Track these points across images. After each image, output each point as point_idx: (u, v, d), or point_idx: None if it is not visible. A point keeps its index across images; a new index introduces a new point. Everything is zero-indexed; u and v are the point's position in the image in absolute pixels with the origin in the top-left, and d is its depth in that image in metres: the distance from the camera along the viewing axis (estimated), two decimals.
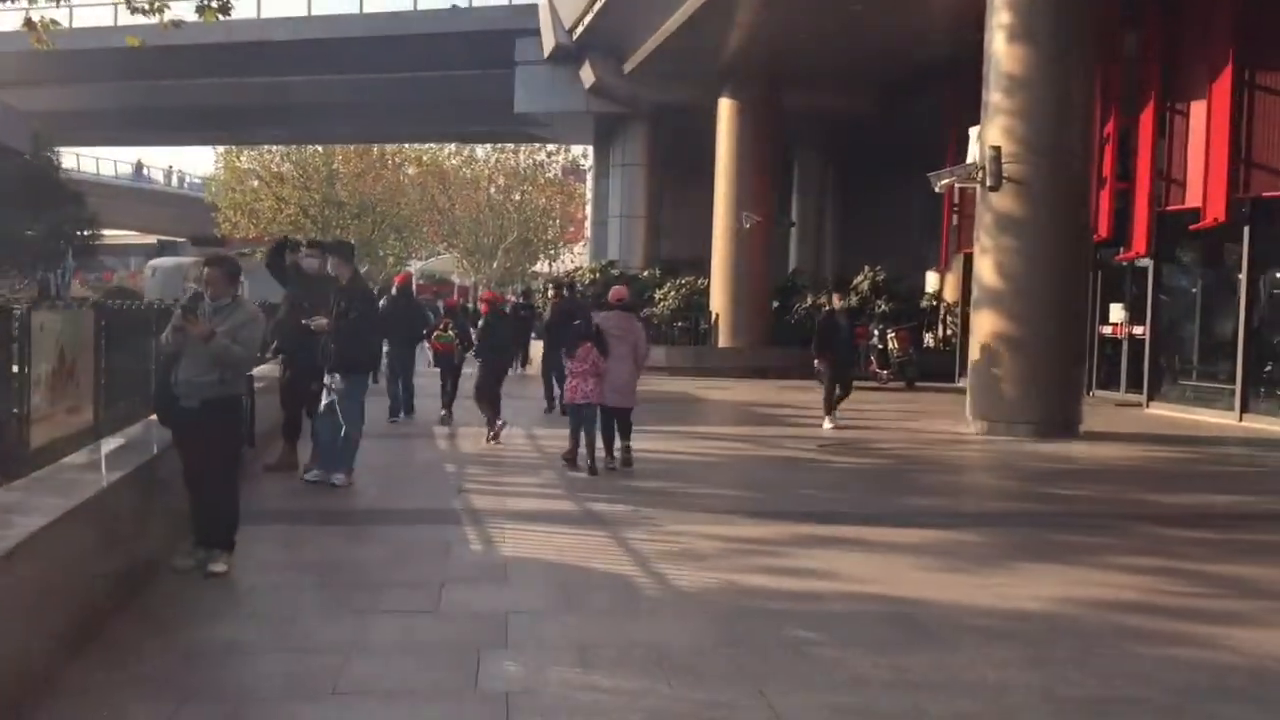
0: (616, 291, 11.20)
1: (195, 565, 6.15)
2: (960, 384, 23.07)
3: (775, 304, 25.93)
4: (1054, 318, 13.61)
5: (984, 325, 14.00)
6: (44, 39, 12.58)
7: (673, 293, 25.75)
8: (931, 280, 29.01)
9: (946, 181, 15.70)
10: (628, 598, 5.95)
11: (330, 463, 9.26)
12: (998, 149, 13.46)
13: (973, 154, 18.88)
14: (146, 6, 12.82)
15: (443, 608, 5.64)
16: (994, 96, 13.81)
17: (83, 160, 58.34)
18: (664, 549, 6.99)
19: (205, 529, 6.25)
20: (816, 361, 14.48)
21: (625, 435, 10.41)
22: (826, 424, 14.04)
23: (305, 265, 9.87)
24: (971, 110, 21.44)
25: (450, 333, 14.46)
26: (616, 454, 10.25)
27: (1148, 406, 17.71)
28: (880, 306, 25.00)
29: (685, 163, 30.44)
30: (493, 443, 11.74)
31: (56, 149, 27.39)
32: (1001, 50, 13.72)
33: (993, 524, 8.35)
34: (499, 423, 12.01)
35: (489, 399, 12.16)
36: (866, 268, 25.74)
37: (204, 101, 34.28)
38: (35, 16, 13.07)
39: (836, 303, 14.80)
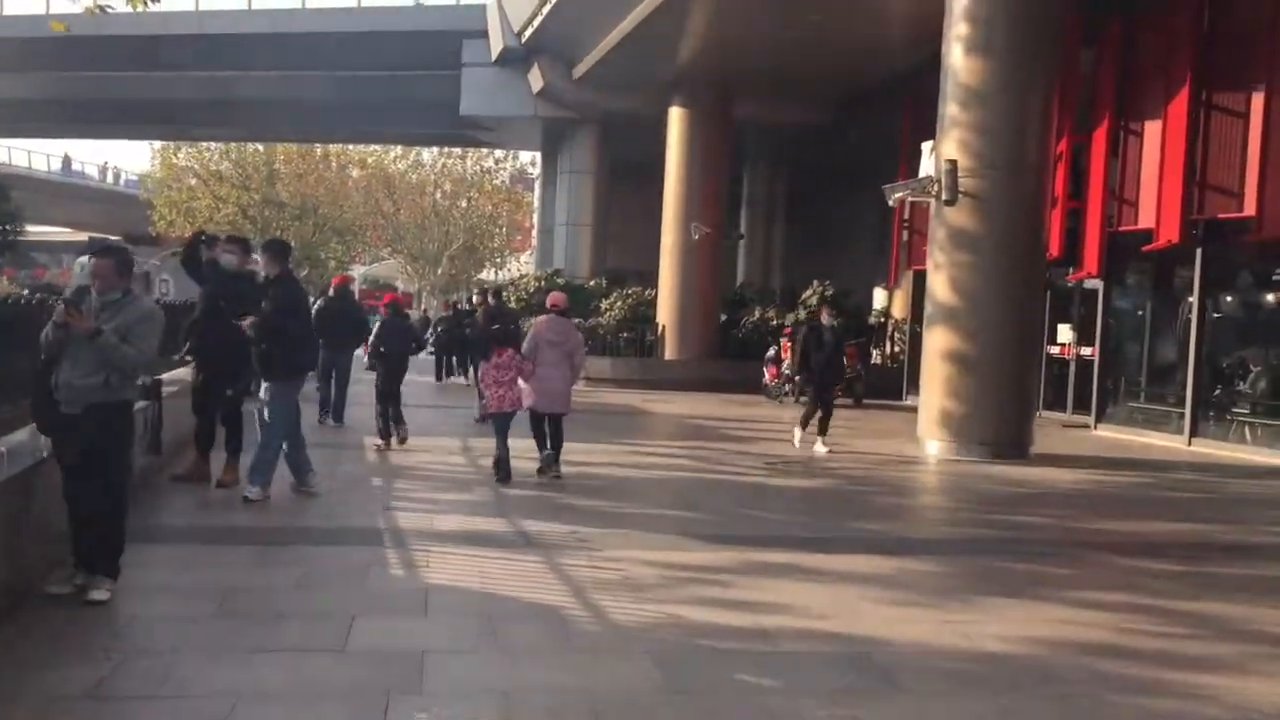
0: (554, 297, 11.08)
1: (73, 591, 5.50)
2: (909, 402, 22.84)
3: (723, 317, 25.53)
4: (1008, 337, 13.28)
5: (936, 343, 13.64)
6: None
7: (619, 303, 25.26)
8: (879, 297, 28.80)
9: (900, 195, 15.34)
10: (560, 634, 5.39)
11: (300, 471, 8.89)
12: (953, 163, 13.11)
13: (926, 168, 18.67)
14: None
15: (351, 645, 5.04)
16: (950, 109, 13.46)
17: (13, 153, 56.71)
18: (602, 577, 6.45)
19: (86, 551, 5.59)
20: (798, 377, 14.09)
21: (557, 444, 10.27)
22: (797, 436, 13.48)
23: (223, 261, 9.21)
24: (926, 125, 21.19)
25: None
26: (550, 464, 10.17)
27: (1095, 428, 17.49)
28: (828, 321, 24.61)
29: (634, 172, 30.03)
30: (383, 450, 11.67)
31: None
32: (959, 63, 13.38)
33: (950, 552, 7.90)
34: (392, 436, 11.89)
35: (380, 409, 11.94)
36: (815, 282, 25.42)
37: (138, 95, 33.12)
38: None
39: (825, 318, 14.02)
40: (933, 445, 13.58)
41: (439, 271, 51.92)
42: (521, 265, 53.44)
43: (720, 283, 25.95)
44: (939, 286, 13.59)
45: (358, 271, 55.71)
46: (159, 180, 50.48)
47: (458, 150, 49.73)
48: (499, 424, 9.97)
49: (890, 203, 16.12)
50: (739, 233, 30.84)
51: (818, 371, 13.44)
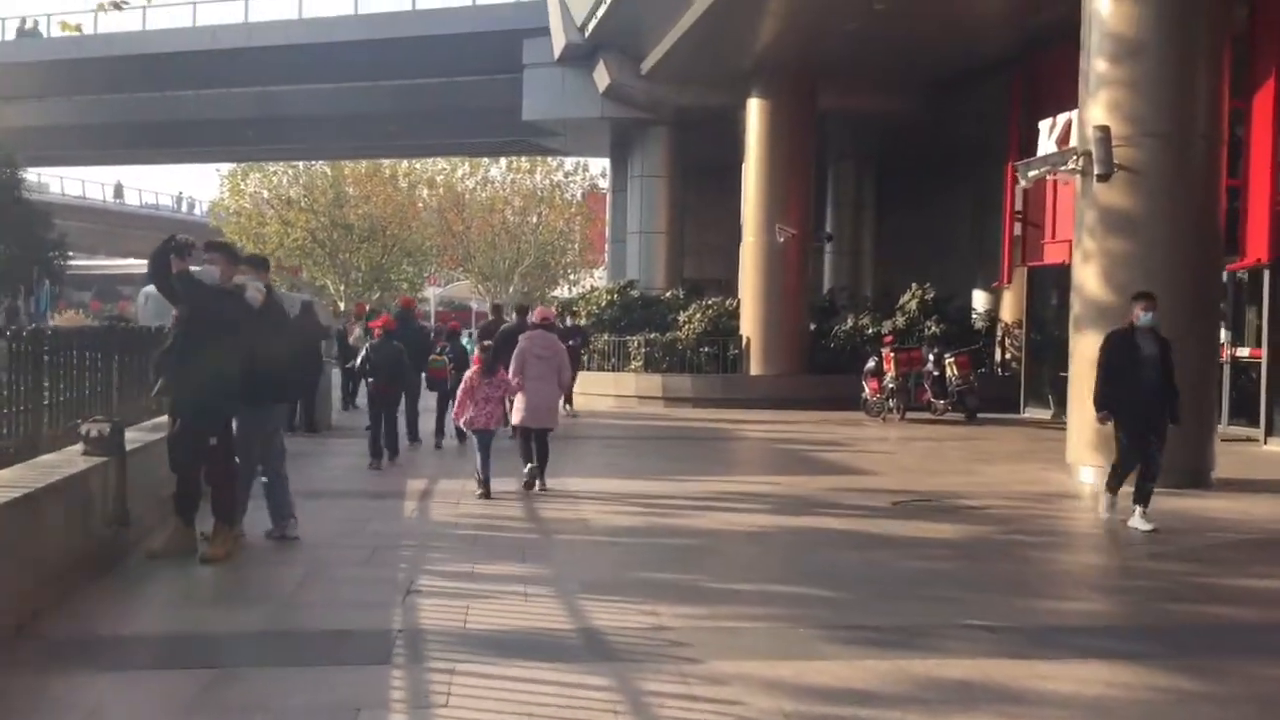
0: (540, 312, 11.45)
1: None
2: (1027, 415, 20.40)
3: (811, 326, 23.29)
4: (1179, 340, 10.85)
5: (1088, 348, 11.21)
6: None
7: (698, 315, 23.09)
8: (979, 299, 26.35)
9: (1037, 173, 12.99)
10: None
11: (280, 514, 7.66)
12: (1105, 129, 10.76)
13: (1045, 148, 16.28)
14: None
15: None
16: (1097, 65, 11.13)
17: (86, 186, 56.45)
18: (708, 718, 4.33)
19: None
20: (1100, 413, 9.16)
21: (543, 459, 10.26)
22: (1104, 503, 9.24)
23: (204, 274, 7.31)
24: (1041, 103, 18.95)
25: (444, 357, 14.28)
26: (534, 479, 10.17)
27: (1266, 443, 14.92)
28: (930, 328, 22.31)
29: (710, 174, 27.97)
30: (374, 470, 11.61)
31: (17, 165, 24.91)
32: (1107, 9, 11.04)
33: (1185, 647, 5.62)
34: (381, 459, 11.90)
35: (372, 433, 12.02)
36: (914, 285, 23.06)
37: (189, 115, 31.91)
38: None
39: (1140, 313, 9.11)
40: (1087, 473, 11.24)
41: (511, 290, 50.36)
42: (596, 280, 51.62)
43: (807, 289, 23.72)
44: (1089, 280, 11.24)
45: (431, 293, 54.41)
46: (227, 207, 49.77)
47: (526, 165, 48.22)
48: (483, 440, 9.97)
49: (1024, 183, 13.80)
50: (827, 234, 28.49)
51: (1137, 404, 8.93)
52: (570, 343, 19.42)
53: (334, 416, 16.70)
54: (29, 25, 32.13)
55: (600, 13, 22.99)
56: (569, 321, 20.88)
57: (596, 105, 25.95)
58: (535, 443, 10.20)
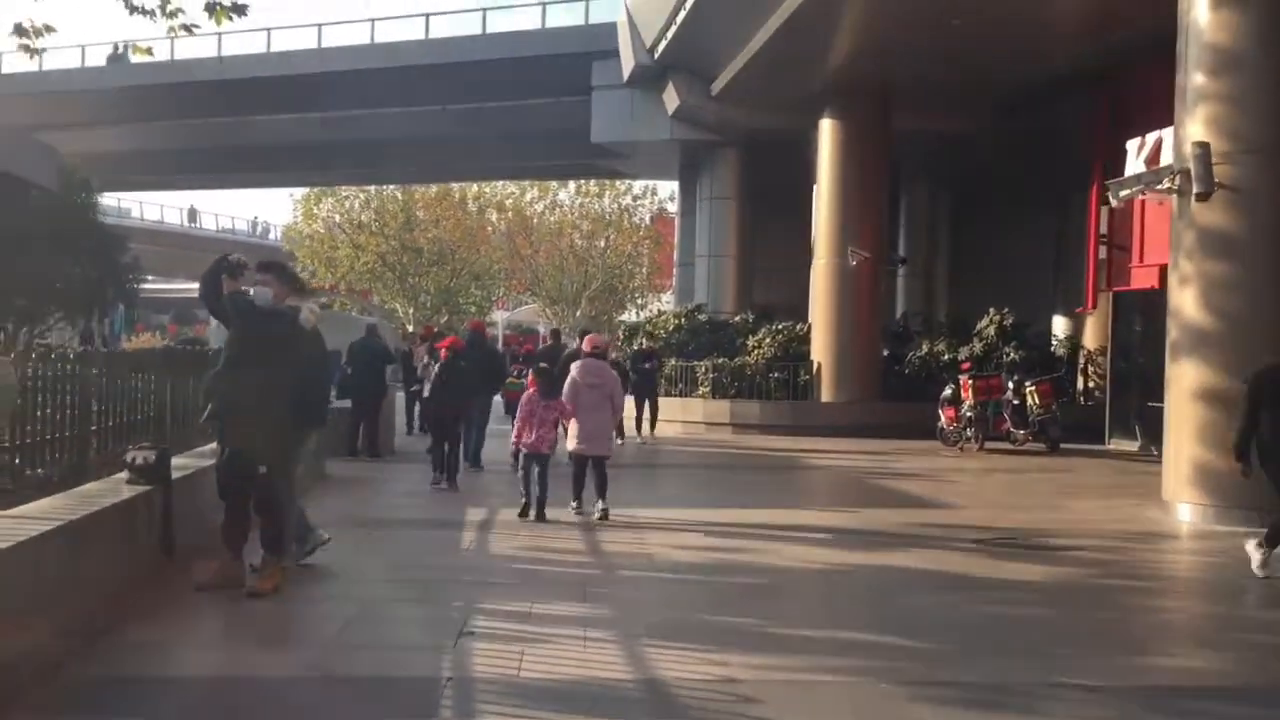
0: (590, 339, 11.25)
1: None
2: (1113, 446, 19.58)
3: (884, 352, 22.66)
4: None
5: (1187, 378, 10.61)
6: (34, 45, 10.74)
7: (768, 339, 22.60)
8: (1059, 325, 25.56)
9: (1129, 192, 12.34)
10: None
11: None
12: (1205, 146, 10.14)
13: (1133, 169, 15.62)
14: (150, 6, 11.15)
15: None
16: (1195, 79, 10.52)
17: (142, 208, 57.39)
18: None
19: None
20: (1239, 462, 7.99)
21: (603, 487, 10.11)
22: (1256, 559, 7.90)
23: (257, 295, 7.04)
24: (1128, 121, 18.26)
25: (521, 380, 14.30)
26: (597, 507, 10.01)
27: None
28: (1009, 355, 21.57)
29: (779, 197, 27.46)
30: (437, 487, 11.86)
31: (93, 190, 25.25)
32: (1205, 18, 10.45)
33: None
34: (443, 476, 12.00)
35: (435, 452, 12.21)
36: (991, 310, 22.32)
37: (262, 140, 32.28)
38: (25, 22, 11.35)
39: None
40: (1184, 510, 10.56)
41: (578, 314, 50.25)
42: (663, 304, 51.31)
43: (880, 314, 23.12)
44: (1187, 305, 10.58)
45: (500, 317, 54.52)
46: (300, 231, 50.37)
47: (595, 188, 48.17)
48: (539, 463, 9.89)
49: (1115, 203, 13.20)
50: (900, 256, 27.83)
51: None
52: (647, 364, 19.61)
53: (397, 440, 16.47)
54: (119, 51, 32.70)
55: (670, 34, 22.73)
56: (643, 343, 20.89)
57: (665, 127, 25.65)
58: (593, 470, 10.17)
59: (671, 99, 24.75)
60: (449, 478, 12.05)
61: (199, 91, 29.59)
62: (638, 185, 48.39)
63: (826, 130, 21.99)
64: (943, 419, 19.08)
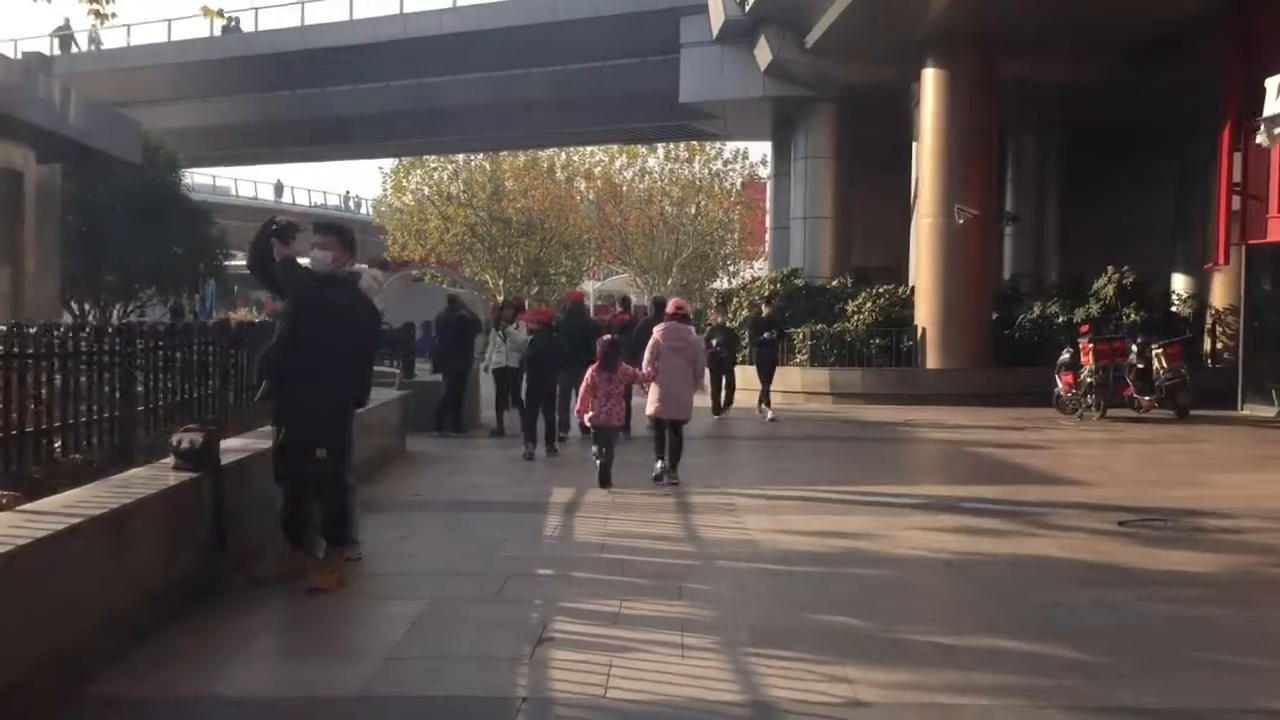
0: (673, 302, 11.10)
1: None
2: (1246, 412, 18.16)
3: (993, 316, 21.41)
4: None
5: None
6: (103, 10, 10.57)
7: (868, 304, 21.51)
8: (1180, 283, 24.05)
9: None
10: None
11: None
12: None
13: (1274, 108, 14.19)
14: None
15: None
16: None
17: (228, 183, 57.84)
18: None
19: None
20: None
21: (677, 452, 10.10)
22: None
23: (315, 261, 6.35)
24: (1267, 60, 16.69)
25: None
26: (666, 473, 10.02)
27: None
28: (1130, 316, 20.19)
29: (876, 155, 26.22)
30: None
31: (180, 165, 25.10)
32: None
33: None
34: (534, 447, 11.95)
35: (525, 422, 12.16)
36: (1110, 269, 20.92)
37: (347, 110, 31.86)
38: None
39: None
40: None
41: (669, 282, 49.38)
42: (756, 271, 50.16)
43: (990, 275, 21.84)
44: None
45: (590, 287, 53.96)
46: (390, 204, 50.29)
47: (685, 153, 47.13)
48: (603, 437, 9.84)
49: (1267, 141, 11.82)
50: (1011, 214, 26.38)
51: None
52: (765, 335, 17.52)
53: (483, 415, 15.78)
54: (231, 24, 32.45)
55: None
56: (762, 311, 18.84)
57: (757, 84, 24.56)
58: (670, 435, 10.06)
59: (764, 54, 23.63)
60: (548, 445, 12.29)
61: (281, 63, 29.32)
62: (728, 149, 47.29)
63: (930, 81, 20.73)
64: (1060, 385, 17.86)
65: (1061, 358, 17.87)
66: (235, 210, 47.46)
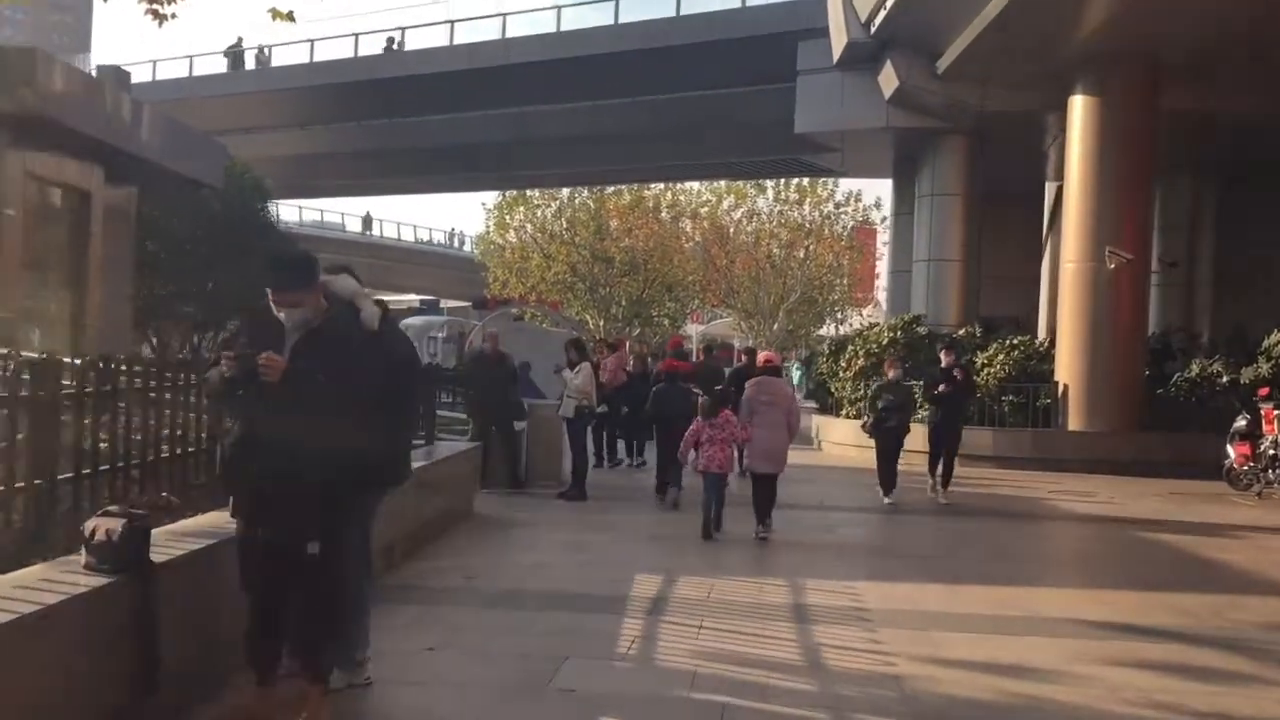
0: (764, 355, 11.77)
1: None
2: None
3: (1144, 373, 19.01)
4: None
5: None
6: (163, 11, 10.22)
7: (1000, 356, 19.20)
8: None
9: None
10: None
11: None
12: None
13: None
14: None
15: None
16: None
17: (316, 214, 57.37)
18: None
19: None
20: None
21: (768, 503, 10.03)
22: None
23: (338, 287, 4.64)
24: None
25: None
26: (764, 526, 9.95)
27: None
28: None
29: (1002, 196, 24.01)
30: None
31: (268, 193, 23.95)
32: None
33: None
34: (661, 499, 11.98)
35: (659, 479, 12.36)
36: None
37: (444, 140, 30.57)
38: None
39: None
40: None
41: (774, 327, 47.35)
42: (865, 318, 47.81)
43: (1144, 327, 19.42)
44: None
45: (694, 330, 52.26)
46: (493, 241, 49.35)
47: (795, 195, 45.24)
48: (710, 483, 9.94)
49: None
50: (1171, 260, 23.80)
51: None
52: (944, 387, 13.36)
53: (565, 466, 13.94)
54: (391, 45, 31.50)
55: (890, 2, 19.67)
56: (941, 358, 14.40)
57: (880, 114, 22.53)
58: (762, 488, 10.08)
59: (889, 80, 21.63)
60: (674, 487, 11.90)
61: (377, 90, 28.32)
62: (840, 191, 45.25)
63: (1079, 109, 18.52)
64: (1233, 456, 15.40)
65: (1236, 425, 15.42)
66: (322, 243, 46.74)
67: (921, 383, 14.51)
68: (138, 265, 20.05)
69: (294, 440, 4.21)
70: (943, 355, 14.20)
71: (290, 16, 12.39)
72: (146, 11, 11.90)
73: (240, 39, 32.56)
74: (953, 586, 8.10)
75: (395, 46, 30.67)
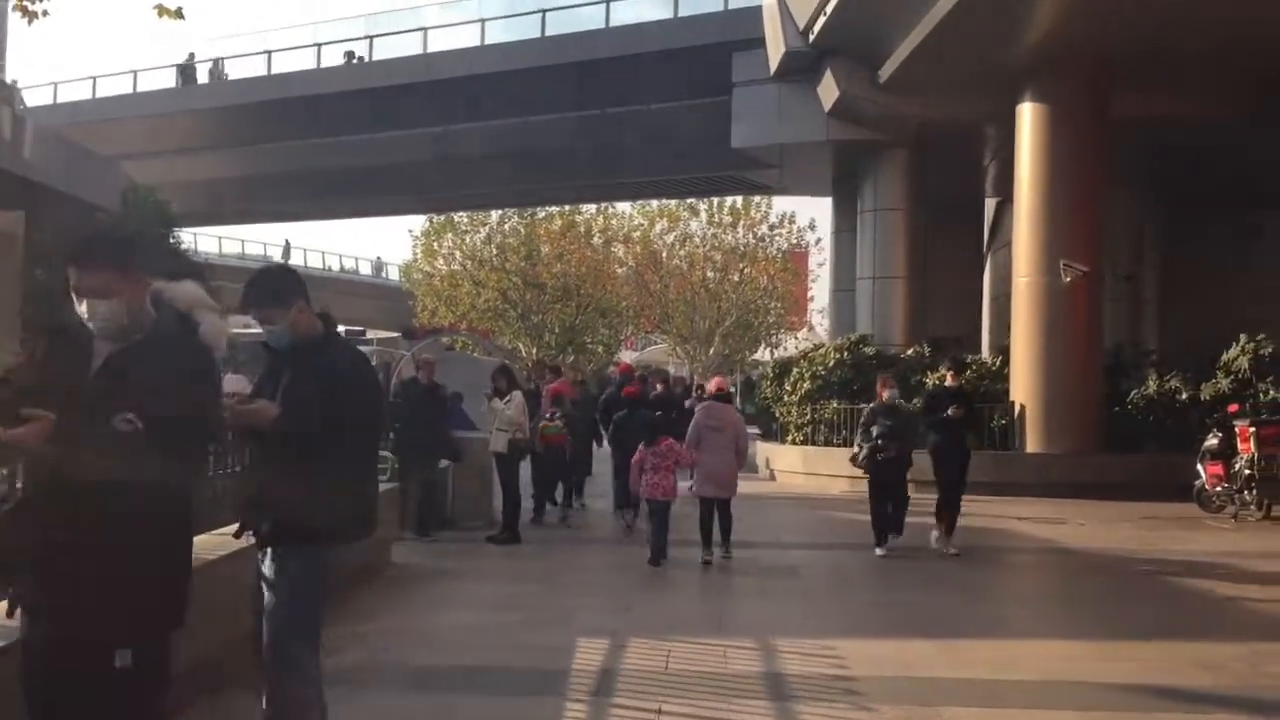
0: (714, 382, 11.67)
1: None
2: None
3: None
4: None
5: None
6: (33, 8, 9.72)
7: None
8: None
9: None
10: None
11: None
12: None
13: None
14: None
15: None
16: None
17: (232, 245, 55.19)
18: None
19: None
20: None
21: (727, 528, 10.03)
22: None
23: (175, 293, 3.43)
24: None
25: (558, 422, 12.78)
26: (718, 548, 9.95)
27: None
28: (1268, 392, 17.07)
29: (941, 213, 23.25)
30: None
31: (173, 217, 22.39)
32: None
33: None
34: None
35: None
36: (1243, 337, 17.82)
37: (360, 161, 28.86)
38: None
39: None
40: None
41: (710, 352, 46.41)
42: (799, 343, 47.09)
43: (1101, 343, 18.69)
44: None
45: (628, 357, 51.18)
46: (419, 269, 47.88)
47: (729, 218, 44.46)
48: (657, 511, 9.93)
49: None
50: (1125, 272, 23.16)
51: None
52: (952, 410, 10.92)
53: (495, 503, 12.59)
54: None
55: (830, 8, 18.82)
56: (941, 378, 13.19)
57: (820, 127, 21.66)
58: (717, 513, 10.01)
59: (829, 91, 20.77)
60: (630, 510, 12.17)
61: (289, 109, 26.84)
62: (775, 212, 44.50)
63: (1028, 117, 17.83)
64: (1204, 477, 14.61)
65: (1208, 443, 14.63)
66: (234, 272, 44.76)
67: (921, 404, 12.31)
68: (25, 296, 18.48)
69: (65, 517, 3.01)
70: (948, 375, 11.98)
71: (179, 14, 11.10)
72: (15, 8, 10.83)
73: (192, 54, 30.55)
74: (945, 642, 6.99)
75: (357, 59, 29.26)
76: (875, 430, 10.78)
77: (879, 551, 10.55)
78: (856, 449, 11.23)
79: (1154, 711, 5.46)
